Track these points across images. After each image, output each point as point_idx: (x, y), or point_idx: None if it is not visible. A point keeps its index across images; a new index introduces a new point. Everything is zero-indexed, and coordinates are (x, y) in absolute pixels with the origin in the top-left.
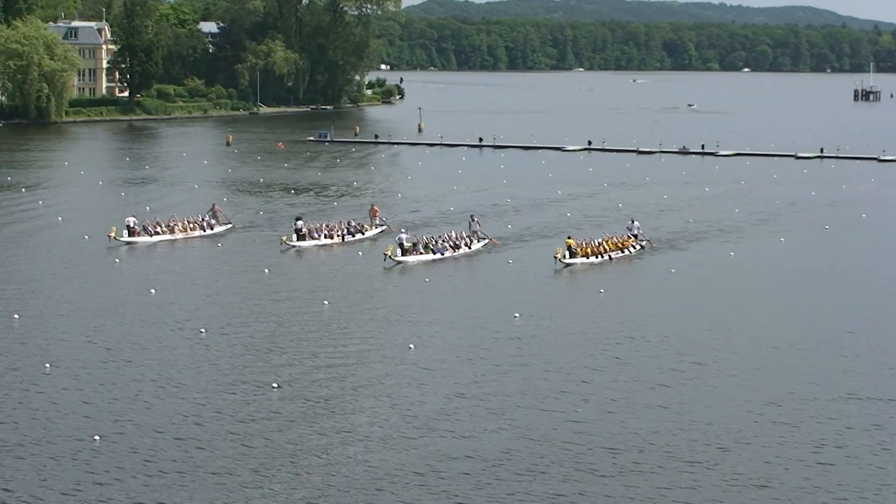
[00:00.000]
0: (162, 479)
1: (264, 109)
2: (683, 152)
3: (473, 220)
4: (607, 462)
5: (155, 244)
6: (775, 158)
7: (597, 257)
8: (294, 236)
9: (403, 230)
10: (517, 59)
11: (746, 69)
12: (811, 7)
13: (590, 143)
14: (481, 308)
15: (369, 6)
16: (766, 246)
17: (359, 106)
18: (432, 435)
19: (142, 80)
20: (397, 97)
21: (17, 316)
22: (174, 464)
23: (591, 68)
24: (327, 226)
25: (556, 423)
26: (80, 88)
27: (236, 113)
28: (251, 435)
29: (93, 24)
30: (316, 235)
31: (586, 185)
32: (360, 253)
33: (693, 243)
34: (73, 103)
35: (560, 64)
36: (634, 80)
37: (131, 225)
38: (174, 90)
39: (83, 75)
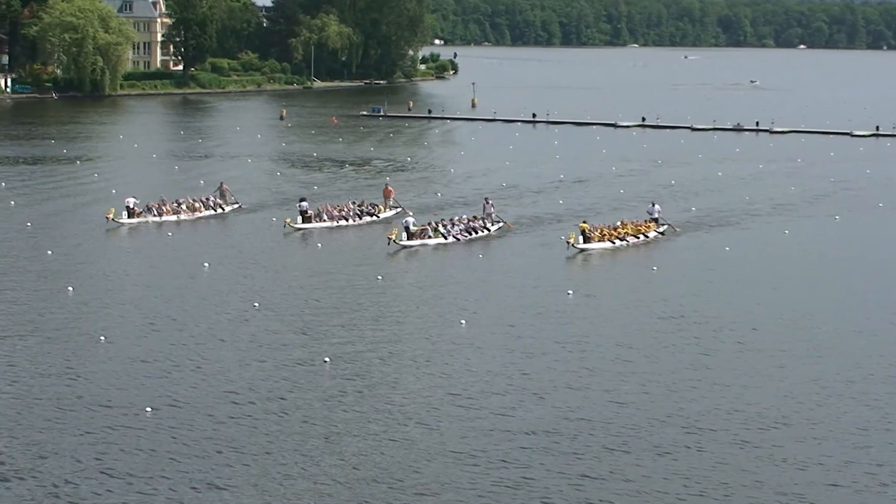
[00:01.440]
0: (212, 452)
1: (318, 84)
2: (738, 129)
3: (488, 203)
4: (646, 443)
5: (158, 224)
6: (831, 136)
7: (612, 242)
8: (299, 218)
9: (411, 213)
10: (571, 35)
11: (802, 46)
12: None
13: (643, 119)
14: (531, 286)
15: None
16: (820, 224)
17: (412, 81)
18: (483, 414)
19: (196, 54)
20: (451, 72)
21: (71, 288)
22: (224, 437)
23: (645, 44)
24: (336, 207)
25: (600, 403)
26: (134, 62)
27: (290, 87)
28: (302, 409)
29: None
30: (324, 217)
31: (639, 161)
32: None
33: (747, 221)
34: (127, 76)
35: (614, 40)
36: (686, 57)
37: (131, 206)
38: (228, 64)
39: (138, 48)
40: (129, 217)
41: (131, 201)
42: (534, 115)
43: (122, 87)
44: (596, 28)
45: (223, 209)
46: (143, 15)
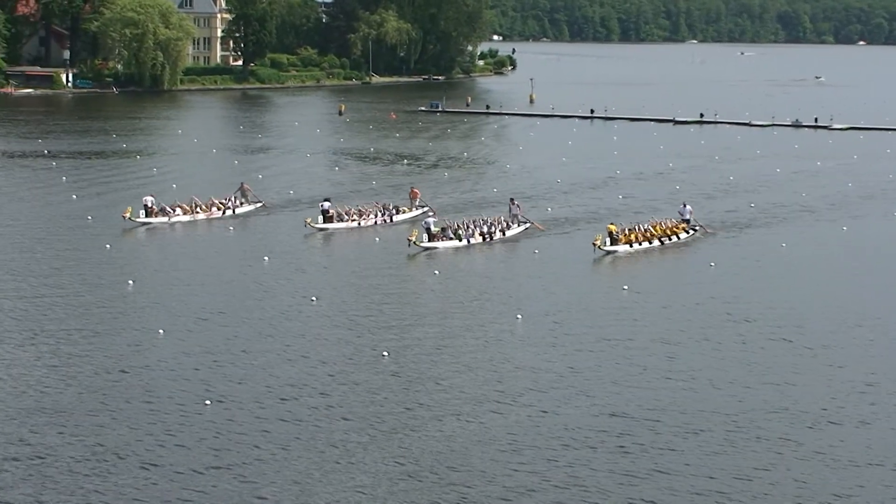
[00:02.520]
0: (268, 445)
1: (376, 79)
2: (796, 125)
3: (514, 204)
4: (692, 441)
5: (173, 224)
6: (889, 132)
7: (640, 244)
8: (320, 218)
9: (431, 214)
10: (630, 31)
11: (861, 42)
12: None
13: (702, 115)
14: (582, 282)
15: None
16: (877, 222)
17: (470, 76)
18: (536, 411)
19: (255, 50)
20: (509, 68)
21: (131, 282)
22: (281, 430)
23: (703, 40)
24: (358, 208)
25: (646, 401)
26: (194, 57)
27: (349, 82)
28: (360, 402)
29: None
30: (345, 218)
31: (697, 157)
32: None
33: (804, 217)
34: (187, 71)
35: (673, 36)
36: (742, 53)
37: (149, 205)
38: (287, 59)
39: (197, 44)
40: (146, 216)
41: (149, 200)
42: (591, 111)
43: (181, 82)
44: (655, 24)
45: (241, 207)
46: (203, 10)
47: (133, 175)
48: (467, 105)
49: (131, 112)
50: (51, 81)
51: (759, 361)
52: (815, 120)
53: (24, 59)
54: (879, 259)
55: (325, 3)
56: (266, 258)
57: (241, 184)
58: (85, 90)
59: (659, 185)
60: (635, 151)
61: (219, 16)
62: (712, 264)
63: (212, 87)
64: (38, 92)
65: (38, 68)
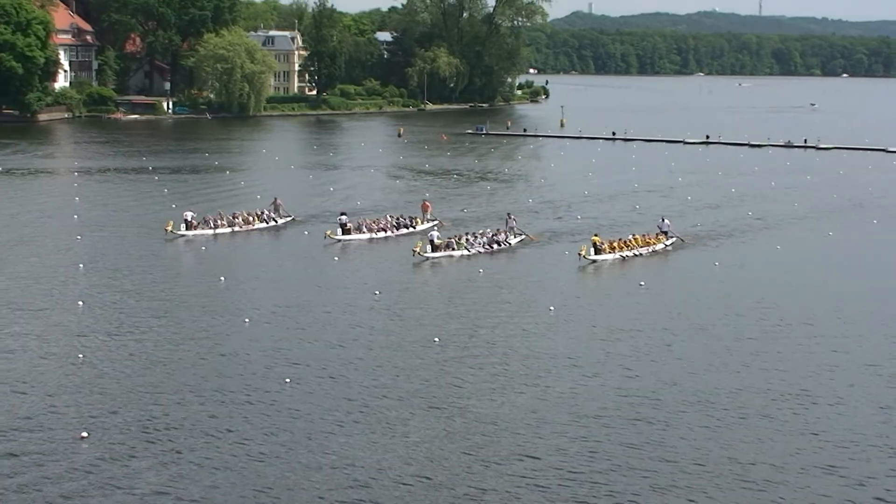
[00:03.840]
0: (334, 418)
1: (430, 106)
2: (788, 146)
3: (510, 218)
4: (692, 414)
5: (214, 236)
6: (869, 152)
7: (621, 254)
8: (339, 230)
9: (436, 227)
10: (646, 65)
11: (845, 75)
12: None
13: (707, 137)
14: (608, 282)
15: (520, 19)
16: (859, 228)
17: (510, 104)
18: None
19: (327, 81)
20: (543, 97)
21: (223, 278)
22: (346, 406)
23: (709, 73)
24: (374, 220)
25: (660, 398)
26: (275, 87)
27: (406, 109)
28: (416, 381)
29: (287, 33)
30: (363, 230)
31: (704, 173)
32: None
33: (796, 223)
34: (269, 100)
35: (683, 69)
36: (740, 84)
37: (188, 219)
38: (354, 89)
39: (278, 76)
40: (186, 229)
41: (189, 215)
42: (613, 133)
43: (264, 109)
44: (667, 59)
45: (275, 221)
46: (283, 48)
47: (223, 188)
48: (507, 128)
49: (222, 134)
50: (154, 108)
51: (747, 348)
52: (805, 141)
53: (132, 89)
54: (860, 259)
55: (387, 42)
56: (336, 258)
57: (275, 199)
58: (182, 116)
59: (670, 197)
60: (650, 168)
61: (296, 52)
62: (716, 264)
63: (290, 113)
64: (143, 117)
65: (143, 97)
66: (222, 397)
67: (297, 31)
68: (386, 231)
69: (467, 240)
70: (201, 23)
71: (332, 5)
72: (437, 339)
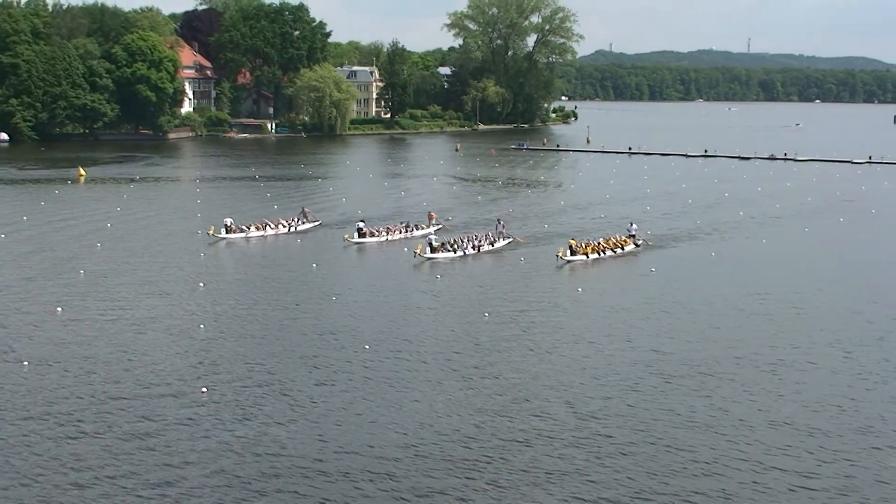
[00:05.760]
0: (402, 380)
1: (481, 126)
2: (771, 158)
3: (500, 223)
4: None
5: (248, 239)
6: (837, 163)
7: (596, 255)
8: (356, 234)
9: (434, 233)
10: (656, 93)
11: (818, 101)
12: (864, 57)
13: (706, 151)
14: (628, 273)
15: (554, 56)
16: (829, 225)
17: (546, 124)
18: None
19: (399, 106)
20: (573, 119)
21: (315, 265)
22: (414, 383)
23: (707, 99)
24: (386, 227)
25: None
26: (357, 112)
27: (462, 129)
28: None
29: (367, 68)
30: (376, 234)
31: (702, 180)
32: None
33: (779, 222)
34: (352, 122)
35: (686, 96)
36: (730, 109)
37: (228, 224)
38: (420, 113)
39: (360, 103)
40: (226, 233)
41: (229, 221)
42: (630, 148)
43: (348, 129)
44: (673, 88)
45: (302, 225)
46: (364, 80)
47: (317, 193)
48: (544, 144)
49: (314, 150)
50: (260, 129)
51: (733, 322)
52: (785, 154)
53: (242, 113)
54: (830, 248)
55: (447, 74)
56: (314, 265)
57: (303, 208)
58: (283, 135)
59: (674, 201)
60: (659, 176)
61: (374, 83)
62: (713, 254)
63: (369, 132)
64: (251, 136)
65: (252, 119)
66: (318, 362)
67: (374, 66)
68: (398, 234)
69: (461, 243)
70: (298, 60)
71: (403, 46)
72: (486, 314)
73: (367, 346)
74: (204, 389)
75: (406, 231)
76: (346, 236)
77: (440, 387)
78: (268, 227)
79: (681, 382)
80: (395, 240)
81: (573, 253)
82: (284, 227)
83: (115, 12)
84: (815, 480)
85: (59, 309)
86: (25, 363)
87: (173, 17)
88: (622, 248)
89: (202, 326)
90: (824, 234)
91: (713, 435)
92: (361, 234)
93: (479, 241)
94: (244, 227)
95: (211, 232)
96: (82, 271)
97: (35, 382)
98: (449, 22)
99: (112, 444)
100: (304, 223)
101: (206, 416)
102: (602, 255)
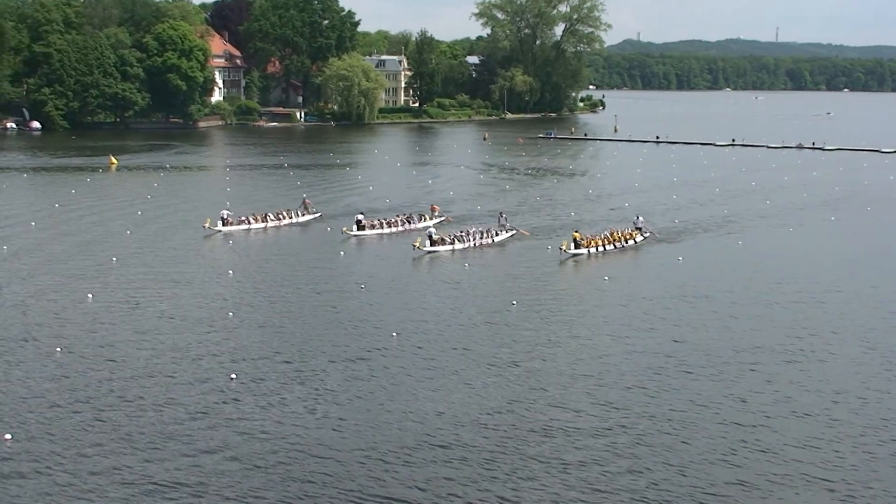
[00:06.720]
0: (436, 383)
1: (509, 115)
2: (799, 147)
3: (502, 216)
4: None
5: (248, 231)
6: (865, 153)
7: (599, 248)
8: (354, 227)
9: (433, 226)
10: (683, 82)
11: (846, 90)
12: (893, 46)
13: (733, 140)
14: (660, 262)
15: (582, 46)
16: (857, 214)
17: (573, 113)
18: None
19: (427, 95)
20: (600, 108)
21: (342, 252)
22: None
23: (735, 89)
24: (385, 219)
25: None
26: (385, 101)
27: (490, 118)
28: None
29: (395, 57)
30: (375, 226)
31: (730, 169)
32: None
33: (805, 210)
34: (381, 111)
35: (713, 85)
36: (756, 98)
37: (225, 216)
38: (448, 102)
39: (388, 92)
40: (223, 226)
41: (226, 213)
42: (657, 137)
43: (377, 118)
44: (701, 77)
45: (301, 217)
46: (392, 69)
47: (346, 181)
48: (571, 133)
49: (343, 138)
50: (289, 118)
51: (754, 311)
52: (813, 143)
53: (272, 102)
54: (857, 238)
55: (475, 64)
56: (342, 252)
57: (304, 199)
58: (312, 123)
59: (702, 190)
60: (686, 165)
61: (402, 73)
62: (739, 243)
63: (397, 121)
64: (280, 125)
65: (281, 108)
66: (338, 351)
67: (403, 55)
68: (397, 226)
69: (463, 236)
70: (327, 49)
71: (431, 35)
72: (514, 302)
73: (394, 334)
74: (233, 376)
75: (407, 223)
76: (345, 229)
77: (466, 376)
78: (268, 217)
79: (701, 372)
80: (395, 232)
81: (577, 246)
82: (284, 218)
83: (147, 2)
84: (835, 472)
85: (90, 296)
86: (58, 350)
87: (203, 6)
88: (628, 241)
89: (231, 314)
90: (851, 223)
91: (733, 426)
92: (360, 227)
93: (481, 235)
94: (243, 219)
95: (206, 225)
96: (114, 258)
97: (64, 370)
98: (477, 11)
99: (134, 431)
100: (303, 214)
101: (229, 404)
102: (606, 248)
